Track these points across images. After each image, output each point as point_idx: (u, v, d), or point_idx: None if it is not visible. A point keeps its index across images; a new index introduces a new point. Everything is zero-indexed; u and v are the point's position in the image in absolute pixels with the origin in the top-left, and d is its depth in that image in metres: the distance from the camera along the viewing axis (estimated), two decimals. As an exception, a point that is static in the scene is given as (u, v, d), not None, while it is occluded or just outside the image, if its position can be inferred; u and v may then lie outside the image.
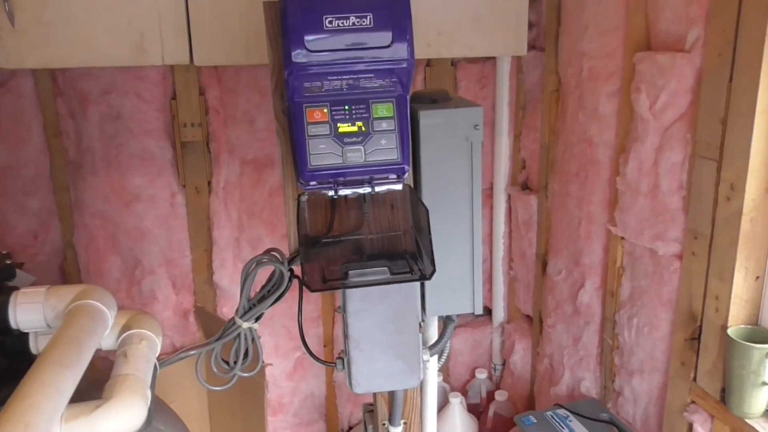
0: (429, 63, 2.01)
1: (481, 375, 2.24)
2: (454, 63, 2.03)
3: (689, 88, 1.28)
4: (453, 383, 2.33)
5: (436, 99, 1.17)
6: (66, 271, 1.95)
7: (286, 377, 2.20)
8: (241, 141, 1.95)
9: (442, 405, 2.14)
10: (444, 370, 2.30)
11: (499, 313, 2.23)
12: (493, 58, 2.02)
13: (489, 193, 2.15)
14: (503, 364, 2.27)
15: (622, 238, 1.53)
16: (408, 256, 1.03)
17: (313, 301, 2.13)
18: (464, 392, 2.26)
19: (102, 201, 1.90)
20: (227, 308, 2.05)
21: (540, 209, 1.91)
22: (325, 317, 2.17)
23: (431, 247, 0.96)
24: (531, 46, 1.85)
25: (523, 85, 1.93)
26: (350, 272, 0.98)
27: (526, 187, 2.03)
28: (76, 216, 1.91)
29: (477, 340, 2.31)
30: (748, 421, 1.21)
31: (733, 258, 1.20)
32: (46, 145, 1.85)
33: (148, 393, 0.98)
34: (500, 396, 2.09)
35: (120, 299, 1.98)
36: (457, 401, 2.07)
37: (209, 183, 1.96)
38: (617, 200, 1.53)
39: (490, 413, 2.09)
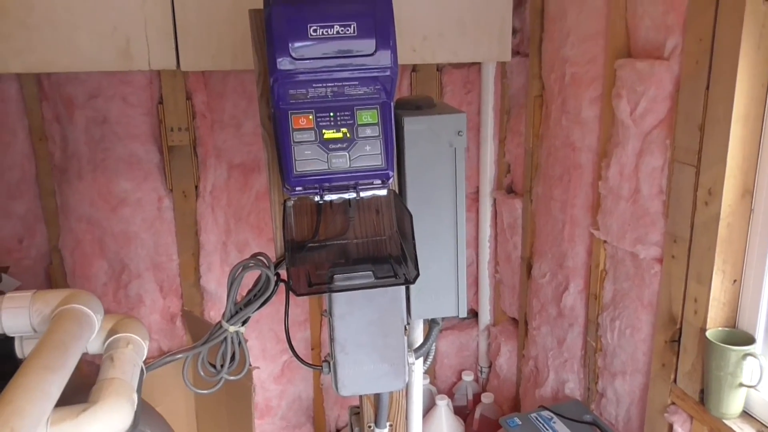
0: (415, 68, 2.03)
1: (468, 377, 2.26)
2: (439, 68, 2.05)
3: (668, 95, 1.30)
4: (439, 386, 2.35)
5: (421, 105, 1.19)
6: (52, 275, 1.95)
7: (274, 380, 2.21)
8: (228, 145, 1.96)
9: (429, 407, 2.15)
10: (431, 373, 2.32)
11: (485, 316, 2.25)
12: (478, 64, 2.04)
13: (475, 197, 2.17)
14: (489, 367, 2.29)
15: (605, 241, 1.56)
16: (392, 260, 1.05)
17: (301, 304, 2.14)
18: (451, 395, 2.28)
19: (88, 205, 1.90)
20: (214, 312, 2.06)
21: (524, 213, 1.93)
22: (312, 320, 2.18)
23: (415, 252, 0.98)
24: (515, 52, 1.88)
25: (508, 90, 1.96)
26: (335, 276, 0.99)
27: (511, 190, 2.06)
28: (62, 220, 1.91)
29: (463, 343, 2.33)
30: (725, 421, 1.23)
31: (711, 262, 1.23)
32: (32, 150, 1.85)
33: (135, 396, 0.99)
34: (486, 398, 2.11)
35: (107, 303, 1.98)
36: (443, 403, 2.09)
37: (196, 187, 1.97)
38: (599, 204, 1.55)
39: (477, 415, 2.11)
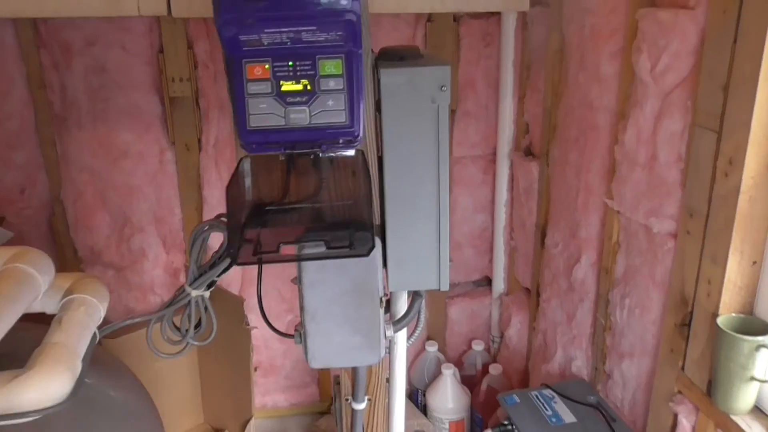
0: (430, 18, 1.89)
1: (478, 347, 2.17)
2: (456, 19, 1.91)
3: (692, 50, 1.15)
4: (449, 354, 2.27)
5: (405, 56, 1.07)
6: (54, 226, 1.93)
7: (278, 339, 2.17)
8: (229, 97, 1.88)
9: (435, 375, 2.08)
10: (441, 340, 2.24)
11: (499, 284, 2.14)
12: (498, 14, 1.88)
13: (492, 159, 2.05)
14: (501, 337, 2.19)
15: (618, 212, 1.42)
16: (354, 228, 0.95)
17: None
18: (460, 363, 2.20)
19: (89, 156, 1.86)
20: (216, 269, 2.01)
21: (541, 177, 1.80)
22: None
23: (372, 221, 0.88)
24: (536, 1, 1.71)
25: (528, 44, 1.80)
26: (281, 245, 0.91)
27: (529, 152, 1.92)
28: (63, 171, 1.88)
29: (475, 311, 2.23)
30: (733, 417, 1.11)
31: (728, 240, 1.09)
32: (31, 98, 1.80)
33: (78, 363, 0.94)
34: (494, 370, 2.02)
35: (109, 256, 1.96)
36: (449, 372, 2.01)
37: (199, 140, 1.90)
38: (615, 171, 1.41)
39: (484, 386, 2.03)
